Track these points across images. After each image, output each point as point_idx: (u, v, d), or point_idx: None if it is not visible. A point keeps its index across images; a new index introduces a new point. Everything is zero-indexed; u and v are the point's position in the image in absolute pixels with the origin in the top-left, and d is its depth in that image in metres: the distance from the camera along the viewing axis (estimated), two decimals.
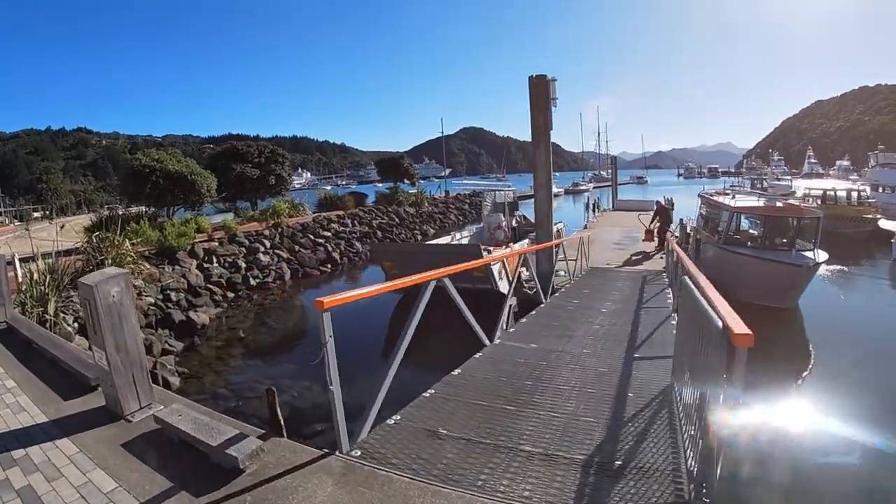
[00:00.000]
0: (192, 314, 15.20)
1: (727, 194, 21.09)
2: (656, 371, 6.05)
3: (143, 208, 24.09)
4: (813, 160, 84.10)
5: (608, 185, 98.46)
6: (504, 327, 9.41)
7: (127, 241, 15.85)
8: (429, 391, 5.62)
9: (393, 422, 4.79)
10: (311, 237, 25.48)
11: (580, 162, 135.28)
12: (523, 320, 9.66)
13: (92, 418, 5.17)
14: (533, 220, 28.95)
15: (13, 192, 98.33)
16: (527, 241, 18.94)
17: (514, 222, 25.75)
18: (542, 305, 11.38)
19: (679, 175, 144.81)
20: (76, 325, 12.16)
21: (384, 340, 13.43)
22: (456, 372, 6.28)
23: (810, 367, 10.78)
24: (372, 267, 25.31)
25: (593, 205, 41.54)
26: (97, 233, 15.46)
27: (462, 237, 23.23)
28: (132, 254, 15.87)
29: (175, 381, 10.53)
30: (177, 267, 18.20)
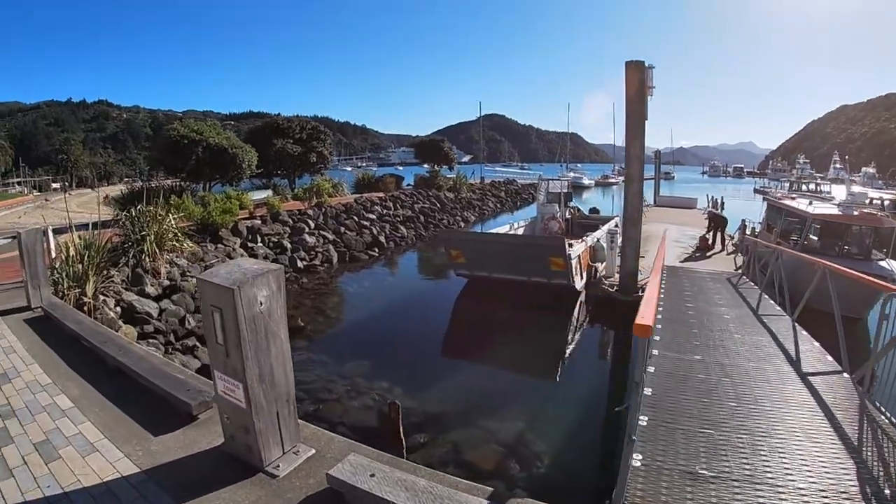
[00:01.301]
0: None
1: (792, 198, 20.07)
2: (830, 385, 5.79)
3: (177, 181, 22.45)
4: (839, 165, 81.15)
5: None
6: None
7: (170, 215, 14.18)
8: (641, 418, 4.62)
9: (639, 463, 3.94)
10: (356, 219, 23.74)
11: (601, 154, 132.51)
12: (658, 327, 7.95)
13: (211, 469, 3.47)
14: (586, 212, 27.33)
15: (32, 162, 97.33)
16: (602, 232, 17.30)
17: (567, 213, 24.03)
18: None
19: (703, 173, 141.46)
20: (118, 309, 10.54)
21: (447, 332, 12.80)
22: (648, 392, 5.31)
23: None
24: (422, 252, 23.78)
25: None
26: (138, 205, 13.69)
27: (518, 227, 21.54)
28: (176, 229, 14.22)
29: None
30: (220, 245, 16.59)
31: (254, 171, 23.19)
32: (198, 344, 10.39)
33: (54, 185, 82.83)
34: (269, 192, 23.88)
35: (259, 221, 19.26)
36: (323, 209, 22.99)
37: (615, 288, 13.69)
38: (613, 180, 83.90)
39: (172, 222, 14.11)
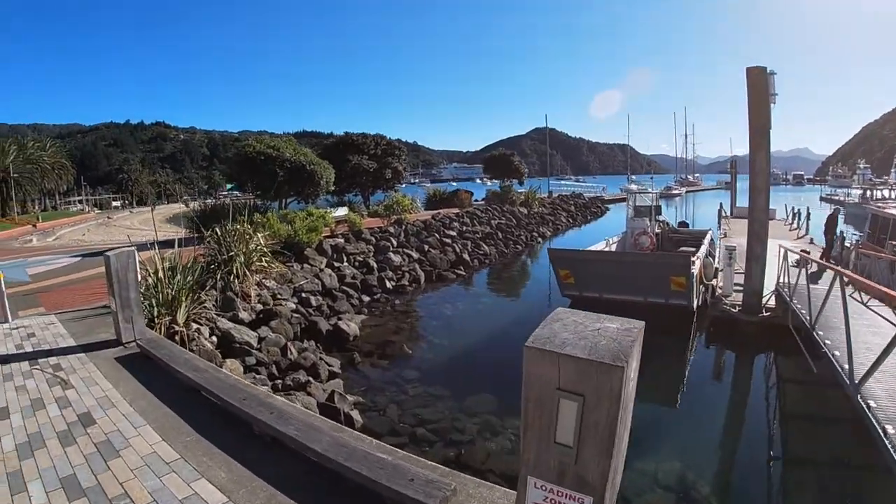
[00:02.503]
0: (340, 323, 12.04)
1: None
2: None
3: (250, 198, 21.22)
4: None
5: (700, 190, 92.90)
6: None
7: (257, 234, 12.64)
8: None
9: None
10: (438, 236, 22.03)
11: (654, 165, 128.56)
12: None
13: None
14: (675, 226, 25.06)
15: (92, 181, 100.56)
16: (705, 248, 16.20)
17: (657, 228, 22.00)
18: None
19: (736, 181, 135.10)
20: (213, 339, 8.86)
21: None
22: None
23: None
24: (508, 270, 21.99)
25: (719, 212, 36.81)
26: (224, 223, 12.16)
27: (613, 243, 19.62)
28: (266, 248, 12.65)
29: (356, 415, 7.83)
30: (305, 265, 14.98)
31: (330, 188, 21.68)
32: (310, 379, 8.62)
33: (115, 203, 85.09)
34: (345, 210, 22.42)
35: (342, 240, 17.81)
36: (403, 226, 21.44)
37: (738, 308, 12.35)
38: (676, 192, 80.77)
39: (261, 241, 12.56)
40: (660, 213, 24.39)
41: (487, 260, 22.83)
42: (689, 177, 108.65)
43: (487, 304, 16.57)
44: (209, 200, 22.55)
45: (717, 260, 15.65)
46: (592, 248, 17.35)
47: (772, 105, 12.63)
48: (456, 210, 28.09)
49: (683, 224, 27.25)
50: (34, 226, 39.81)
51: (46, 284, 12.12)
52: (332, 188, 22.98)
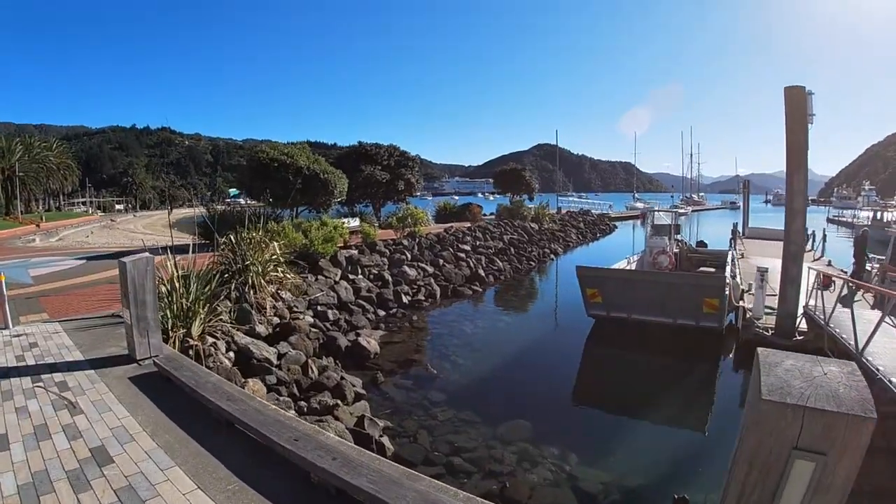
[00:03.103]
0: (360, 339, 11.41)
1: None
2: None
3: (260, 206, 20.62)
4: None
5: (705, 210, 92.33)
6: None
7: (274, 243, 12.04)
8: None
9: None
10: (452, 250, 21.35)
11: (655, 183, 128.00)
12: None
13: None
14: (692, 245, 24.49)
15: (96, 184, 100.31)
16: (729, 266, 15.96)
17: (675, 247, 21.50)
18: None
19: (766, 201, 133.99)
20: (231, 354, 8.21)
21: (588, 381, 11.30)
22: None
23: None
24: (523, 287, 21.45)
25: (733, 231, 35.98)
26: (239, 230, 11.54)
27: (633, 262, 18.96)
28: (282, 258, 12.04)
29: (386, 442, 7.28)
30: (320, 277, 14.32)
31: (343, 198, 21.10)
32: (338, 402, 7.92)
33: (118, 206, 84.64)
34: (356, 220, 21.82)
35: (356, 251, 17.08)
36: (417, 239, 20.76)
37: (771, 331, 11.96)
38: (682, 211, 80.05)
39: (277, 251, 11.94)
40: (678, 232, 24.01)
41: (502, 276, 22.17)
42: (693, 196, 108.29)
43: (507, 323, 15.92)
44: (219, 206, 21.79)
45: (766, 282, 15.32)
46: (617, 266, 16.85)
47: (809, 126, 12.36)
48: (468, 224, 27.46)
49: (701, 244, 26.69)
50: (38, 225, 39.24)
51: (50, 288, 11.47)
52: (344, 198, 22.36)
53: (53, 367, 5.78)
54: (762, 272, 13.14)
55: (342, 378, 9.09)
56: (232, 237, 11.38)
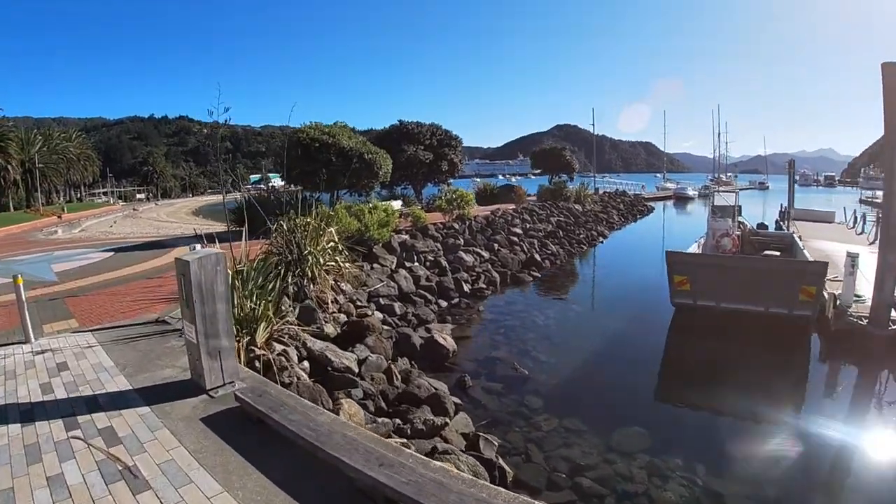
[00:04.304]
0: (435, 335, 9.84)
1: None
2: None
3: (298, 189, 19.08)
4: None
5: (732, 190, 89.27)
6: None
7: (331, 229, 10.45)
8: None
9: None
10: (504, 234, 19.69)
11: (676, 164, 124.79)
12: None
13: None
14: (753, 226, 22.66)
15: (116, 174, 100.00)
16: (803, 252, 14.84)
17: (737, 229, 20.05)
18: None
19: (794, 182, 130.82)
20: (305, 364, 6.67)
21: (684, 377, 10.04)
22: None
23: None
24: (582, 272, 19.99)
25: (781, 213, 33.85)
26: (292, 215, 9.92)
27: (698, 245, 17.66)
28: (340, 246, 10.46)
29: (506, 466, 5.95)
30: (375, 265, 12.72)
31: (387, 179, 19.48)
32: (447, 420, 6.40)
33: (139, 196, 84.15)
34: (398, 203, 20.24)
35: (407, 236, 15.46)
36: (467, 222, 19.08)
37: (865, 320, 11.08)
38: (741, 188, 77.55)
39: (335, 238, 10.34)
40: (740, 213, 22.61)
41: (558, 261, 20.48)
42: (721, 176, 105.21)
43: (577, 313, 14.30)
44: (253, 192, 20.27)
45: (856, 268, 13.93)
46: (690, 250, 15.55)
47: None
48: (511, 206, 25.80)
49: (762, 226, 24.82)
50: (59, 217, 38.20)
51: (77, 286, 9.96)
52: (388, 179, 20.78)
53: (93, 404, 4.20)
54: (853, 258, 11.98)
55: (434, 387, 7.47)
56: (283, 223, 9.78)
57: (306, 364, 6.69)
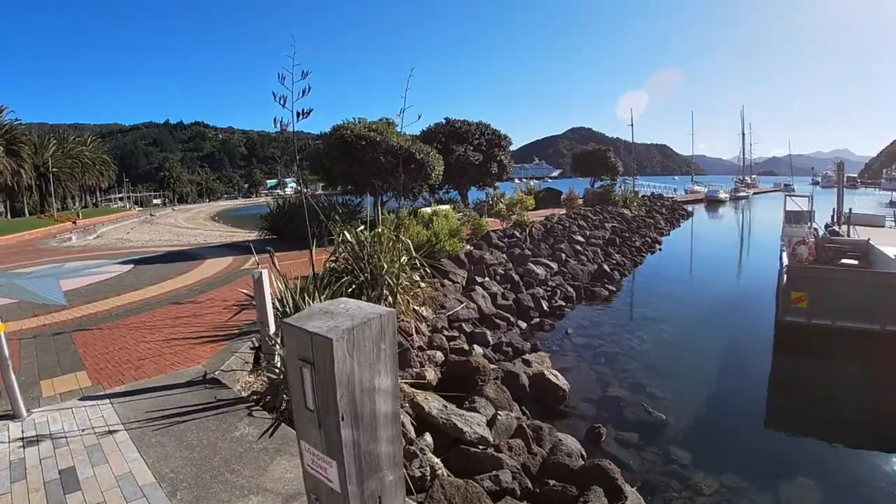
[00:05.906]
0: (545, 372, 7.85)
1: None
2: None
3: (336, 194, 17.16)
4: None
5: (759, 193, 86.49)
6: None
7: (407, 240, 8.38)
8: None
9: None
10: (567, 243, 17.57)
11: (692, 166, 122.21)
12: None
13: None
14: (825, 232, 21.16)
15: (132, 179, 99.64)
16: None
17: (811, 236, 18.62)
18: None
19: (815, 183, 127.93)
20: (428, 439, 4.49)
21: (804, 405, 8.61)
22: None
23: None
24: (654, 284, 17.61)
25: (833, 217, 31.59)
26: (359, 226, 7.87)
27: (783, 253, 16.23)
28: (417, 259, 8.39)
29: None
30: (446, 282, 10.61)
31: (439, 182, 17.50)
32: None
33: (155, 201, 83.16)
34: (447, 208, 18.28)
35: (470, 247, 13.41)
36: (527, 229, 16.98)
37: None
38: (743, 194, 75.75)
39: (412, 251, 8.25)
40: (814, 219, 20.89)
41: (625, 272, 18.30)
42: (746, 178, 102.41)
43: (671, 334, 12.25)
44: (286, 198, 18.32)
45: None
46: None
47: None
48: (562, 211, 23.85)
49: (834, 232, 22.87)
50: (74, 222, 36.53)
51: (89, 313, 7.90)
52: (439, 182, 18.81)
53: None
54: None
55: (559, 441, 5.31)
56: (349, 235, 7.70)
57: (428, 438, 4.55)
